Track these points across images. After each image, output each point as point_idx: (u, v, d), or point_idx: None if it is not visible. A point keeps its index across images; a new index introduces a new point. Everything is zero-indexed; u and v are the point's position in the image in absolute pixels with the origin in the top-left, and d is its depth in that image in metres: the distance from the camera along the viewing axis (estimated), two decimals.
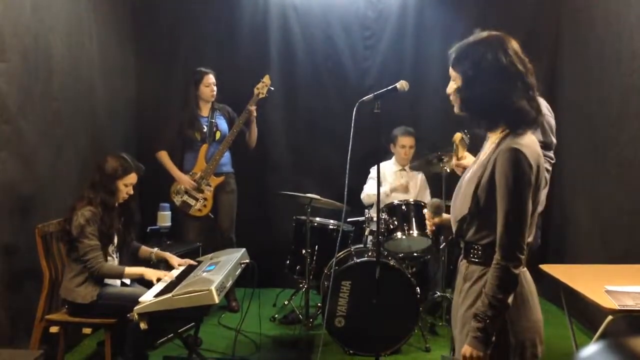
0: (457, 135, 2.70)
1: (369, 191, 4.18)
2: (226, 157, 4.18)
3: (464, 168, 2.47)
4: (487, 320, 1.59)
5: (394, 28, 4.72)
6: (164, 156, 4.10)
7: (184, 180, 4.06)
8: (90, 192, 2.96)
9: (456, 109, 1.76)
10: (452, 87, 1.74)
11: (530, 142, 1.63)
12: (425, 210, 2.21)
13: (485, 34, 1.69)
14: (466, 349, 1.62)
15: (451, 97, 1.77)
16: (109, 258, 3.01)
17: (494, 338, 1.60)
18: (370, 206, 4.14)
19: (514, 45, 1.67)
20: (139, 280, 3.07)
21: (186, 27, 4.69)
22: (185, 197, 4.08)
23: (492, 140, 1.72)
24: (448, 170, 3.76)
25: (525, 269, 1.70)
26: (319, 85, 4.78)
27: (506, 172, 1.58)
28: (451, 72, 1.73)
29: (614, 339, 0.71)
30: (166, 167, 4.09)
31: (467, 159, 2.56)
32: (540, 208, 1.76)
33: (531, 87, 1.64)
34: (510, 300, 1.60)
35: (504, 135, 1.66)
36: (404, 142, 4.19)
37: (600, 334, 2.52)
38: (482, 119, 1.70)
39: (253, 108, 4.10)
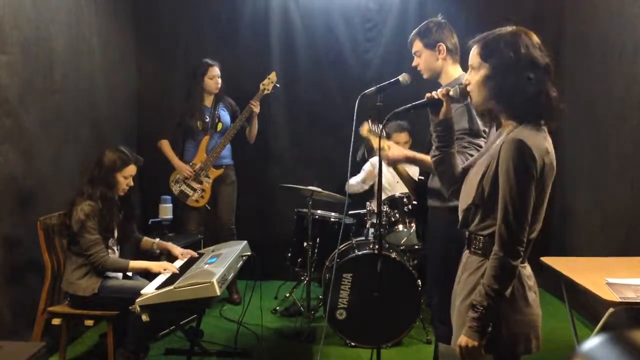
0: (364, 128, 2.62)
1: (351, 181, 4.20)
2: (226, 149, 4.18)
3: (393, 160, 2.46)
4: (483, 311, 1.60)
5: (396, 19, 4.70)
6: (165, 145, 4.11)
7: (182, 168, 4.07)
8: (89, 186, 2.95)
9: (474, 98, 1.74)
10: (473, 77, 1.73)
11: (539, 137, 1.62)
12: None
13: (511, 27, 1.70)
14: (462, 339, 1.64)
15: (470, 87, 1.75)
16: (109, 251, 3.01)
17: (489, 329, 1.61)
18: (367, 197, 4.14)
19: (538, 40, 1.68)
20: (142, 272, 3.08)
21: (187, 19, 4.67)
22: (184, 187, 4.09)
23: (506, 131, 1.72)
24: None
25: (526, 263, 1.70)
26: (320, 77, 4.76)
27: (508, 163, 1.58)
28: (474, 62, 1.72)
29: (615, 332, 0.71)
30: (167, 155, 4.10)
31: (392, 148, 2.48)
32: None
33: (554, 83, 1.66)
34: (508, 292, 1.60)
35: (515, 127, 1.67)
36: (398, 139, 4.14)
37: (602, 327, 2.53)
38: (509, 107, 1.69)
39: (256, 104, 4.10)
